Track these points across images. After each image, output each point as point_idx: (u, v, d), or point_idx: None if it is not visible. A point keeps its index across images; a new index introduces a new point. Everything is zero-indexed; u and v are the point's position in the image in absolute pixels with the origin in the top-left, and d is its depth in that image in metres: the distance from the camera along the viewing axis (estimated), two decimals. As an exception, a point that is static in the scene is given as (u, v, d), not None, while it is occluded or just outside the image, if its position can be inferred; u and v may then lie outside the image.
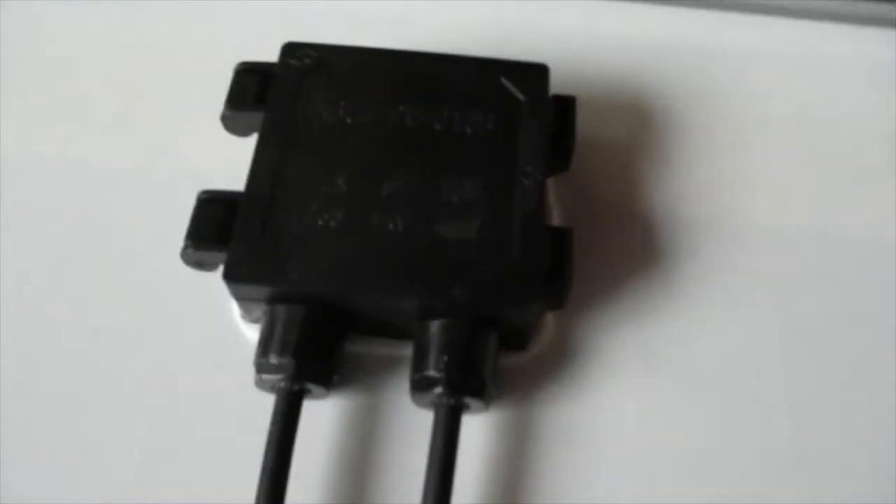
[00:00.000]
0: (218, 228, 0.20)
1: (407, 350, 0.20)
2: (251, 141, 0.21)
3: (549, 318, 0.22)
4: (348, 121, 0.22)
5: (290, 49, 0.23)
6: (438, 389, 0.19)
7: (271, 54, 0.23)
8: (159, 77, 0.26)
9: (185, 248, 0.20)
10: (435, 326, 0.20)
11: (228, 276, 0.20)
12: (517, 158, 0.21)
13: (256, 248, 0.20)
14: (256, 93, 0.22)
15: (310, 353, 0.20)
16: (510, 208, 0.21)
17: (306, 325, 0.20)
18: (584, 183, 0.24)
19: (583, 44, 0.27)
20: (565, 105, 0.23)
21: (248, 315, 0.22)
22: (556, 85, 0.23)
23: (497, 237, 0.20)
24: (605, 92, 0.26)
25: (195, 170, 0.23)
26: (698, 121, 0.26)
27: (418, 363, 0.20)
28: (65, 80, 0.26)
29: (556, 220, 0.23)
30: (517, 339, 0.21)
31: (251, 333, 0.21)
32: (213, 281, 0.20)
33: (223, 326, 0.22)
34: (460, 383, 0.19)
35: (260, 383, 0.20)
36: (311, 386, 0.20)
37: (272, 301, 0.20)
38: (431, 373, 0.19)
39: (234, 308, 0.21)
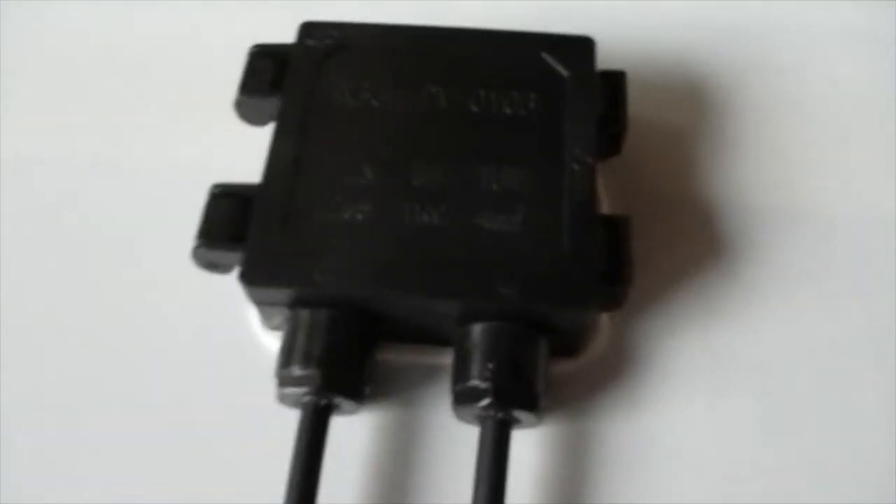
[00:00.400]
0: (233, 226, 0.18)
1: (446, 357, 0.18)
2: (269, 131, 0.19)
3: (604, 320, 0.20)
4: (374, 104, 0.20)
5: (308, 29, 0.21)
6: (485, 401, 0.17)
7: (288, 36, 0.21)
8: (169, 66, 0.24)
9: (197, 247, 0.18)
10: (478, 330, 0.18)
11: (245, 278, 0.17)
12: (564, 141, 0.19)
13: (275, 247, 0.18)
14: (272, 77, 0.20)
15: (337, 362, 0.18)
16: (558, 197, 0.18)
17: (333, 332, 0.18)
18: (636, 169, 0.22)
19: (629, 16, 0.24)
20: (614, 81, 0.21)
21: (268, 322, 0.19)
22: (602, 61, 0.20)
23: (545, 229, 0.18)
24: (655, 68, 0.24)
25: (208, 163, 0.21)
26: (758, 100, 0.24)
27: (460, 372, 0.18)
28: (67, 71, 0.24)
29: (607, 210, 0.21)
30: (569, 344, 0.19)
31: (272, 342, 0.19)
32: (229, 284, 0.18)
33: (241, 335, 0.20)
34: (510, 394, 0.17)
35: (283, 398, 0.18)
36: (339, 400, 0.18)
37: (294, 305, 0.18)
38: (476, 382, 0.17)
39: (253, 314, 0.20)
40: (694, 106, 0.23)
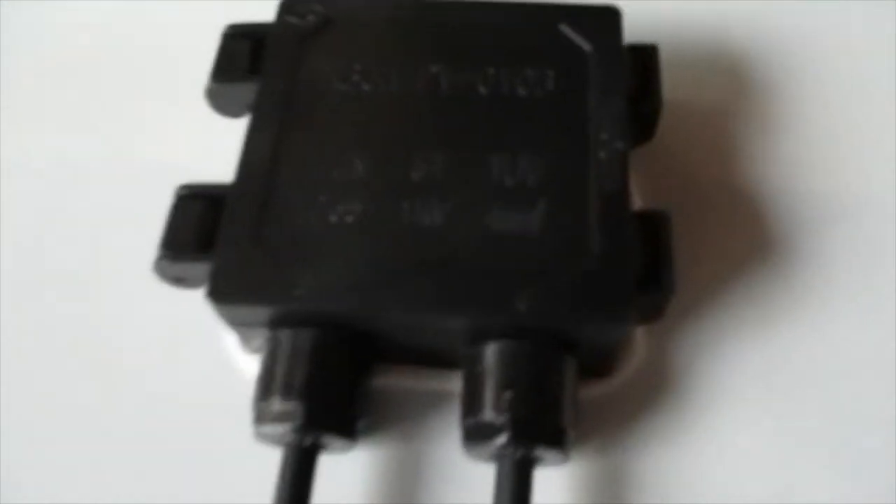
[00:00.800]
0: (201, 233, 0.16)
1: (454, 382, 0.16)
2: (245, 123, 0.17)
3: (640, 332, 0.17)
4: (365, 88, 0.17)
5: (288, 4, 0.18)
6: (501, 439, 0.14)
7: (266, 14, 0.18)
8: (130, 53, 0.22)
9: (160, 259, 0.16)
10: (491, 351, 0.15)
11: (213, 295, 0.15)
12: (588, 125, 0.16)
13: (249, 256, 0.15)
14: (249, 61, 0.18)
15: (324, 393, 0.15)
16: (584, 190, 0.16)
17: (318, 357, 0.15)
18: (671, 155, 0.19)
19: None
20: (644, 56, 0.18)
21: (247, 344, 0.17)
22: (628, 34, 0.18)
23: (570, 229, 0.15)
24: (689, 42, 0.21)
25: (179, 161, 0.18)
26: (805, 76, 0.21)
27: (471, 403, 0.15)
28: (29, 68, 0.22)
29: (639, 204, 0.18)
30: (598, 363, 0.16)
31: (253, 367, 0.16)
32: (202, 300, 0.15)
33: (216, 359, 0.17)
34: (531, 429, 0.14)
35: (261, 436, 0.15)
36: (328, 438, 0.15)
37: (273, 325, 0.15)
38: (490, 416, 0.14)
39: (231, 334, 0.17)
40: (733, 83, 0.20)
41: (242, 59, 0.18)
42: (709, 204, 0.18)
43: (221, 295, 0.15)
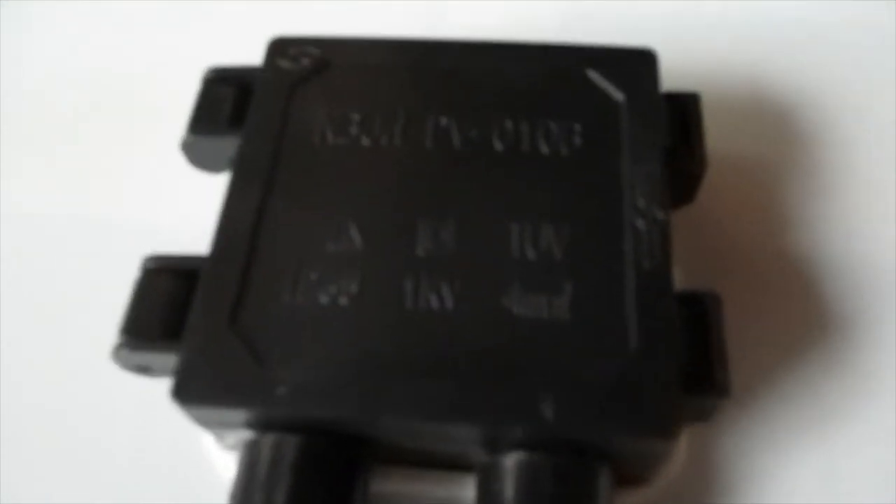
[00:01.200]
0: (169, 316, 0.13)
1: (466, 488, 0.14)
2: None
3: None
4: (364, 143, 0.15)
5: (279, 46, 0.16)
6: (523, 578, 0.12)
7: (254, 57, 0.16)
8: (98, 96, 0.19)
9: (119, 346, 0.13)
10: (511, 466, 0.12)
11: (180, 395, 0.12)
12: (622, 188, 0.14)
13: (224, 346, 0.13)
14: (232, 109, 0.16)
15: (311, 515, 0.12)
16: (619, 268, 0.13)
17: (306, 470, 0.12)
18: (712, 221, 0.17)
19: (688, 27, 0.19)
20: (685, 107, 0.16)
21: (222, 440, 0.14)
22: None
23: (603, 317, 0.13)
24: (727, 89, 0.18)
25: (147, 223, 0.16)
26: (857, 128, 0.18)
27: (487, 527, 0.12)
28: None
29: (678, 280, 0.16)
30: (635, 471, 0.14)
31: (231, 465, 0.14)
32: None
33: (190, 456, 0.15)
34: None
35: (236, 563, 0.13)
36: (316, 566, 0.12)
37: (252, 427, 0.13)
38: (511, 547, 0.12)
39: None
40: (777, 134, 0.18)
41: (225, 108, 0.16)
42: (756, 277, 0.16)
43: (189, 395, 0.12)
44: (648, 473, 0.14)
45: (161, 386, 0.13)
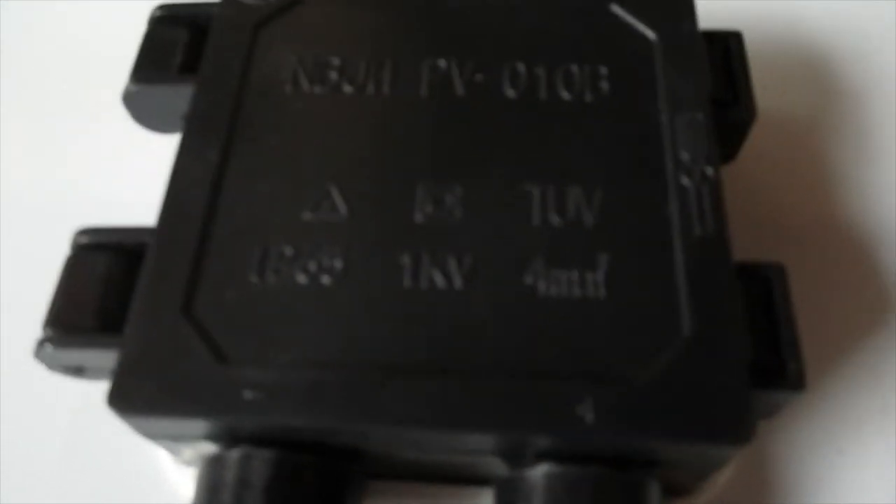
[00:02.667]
0: (105, 302, 0.11)
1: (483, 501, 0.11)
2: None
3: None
4: (346, 91, 0.12)
5: (240, -23, 0.13)
6: None
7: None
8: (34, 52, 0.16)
9: (44, 343, 0.11)
10: (538, 480, 0.10)
11: (116, 402, 0.10)
12: (662, 140, 0.12)
13: (175, 339, 0.10)
14: (185, 55, 0.13)
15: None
16: (665, 234, 0.11)
17: (279, 490, 0.10)
18: (757, 184, 0.14)
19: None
20: (726, 47, 0.13)
21: (178, 455, 0.12)
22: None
23: (649, 296, 0.10)
24: (765, 35, 0.16)
25: (86, 197, 0.13)
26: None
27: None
28: None
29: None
30: (681, 482, 0.11)
31: (188, 483, 0.11)
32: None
33: (141, 474, 0.12)
34: None
35: None
36: None
37: (213, 439, 0.10)
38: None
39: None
40: (826, 90, 0.16)
41: (175, 52, 0.13)
42: (811, 249, 0.14)
43: (130, 402, 0.10)
44: (697, 484, 0.12)
45: (100, 389, 0.11)
